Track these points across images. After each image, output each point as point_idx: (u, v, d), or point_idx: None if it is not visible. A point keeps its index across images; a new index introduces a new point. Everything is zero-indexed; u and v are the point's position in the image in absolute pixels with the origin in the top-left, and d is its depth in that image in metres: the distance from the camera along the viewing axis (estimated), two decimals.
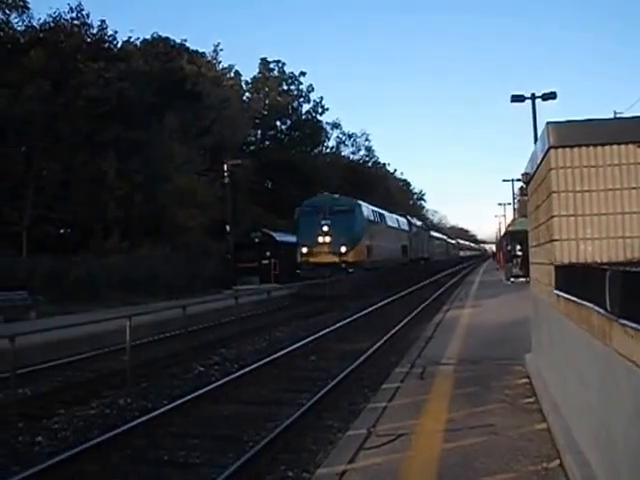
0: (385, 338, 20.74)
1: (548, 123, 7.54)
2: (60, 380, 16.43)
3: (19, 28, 41.71)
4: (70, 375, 17.04)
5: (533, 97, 38.26)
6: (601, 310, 4.71)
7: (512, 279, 42.62)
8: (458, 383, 11.44)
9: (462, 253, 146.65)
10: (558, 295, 7.26)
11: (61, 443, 10.84)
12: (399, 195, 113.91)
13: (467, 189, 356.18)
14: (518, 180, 60.71)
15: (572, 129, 7.52)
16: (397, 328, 23.36)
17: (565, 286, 6.77)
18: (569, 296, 6.35)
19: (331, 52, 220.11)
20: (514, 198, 73.26)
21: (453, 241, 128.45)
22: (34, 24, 42.55)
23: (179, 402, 12.76)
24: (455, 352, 15.01)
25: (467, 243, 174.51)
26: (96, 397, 13.76)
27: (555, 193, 7.55)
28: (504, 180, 71.25)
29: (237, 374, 15.64)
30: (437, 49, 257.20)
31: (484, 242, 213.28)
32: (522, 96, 38.59)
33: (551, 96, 37.75)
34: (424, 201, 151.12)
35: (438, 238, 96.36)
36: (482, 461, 7.12)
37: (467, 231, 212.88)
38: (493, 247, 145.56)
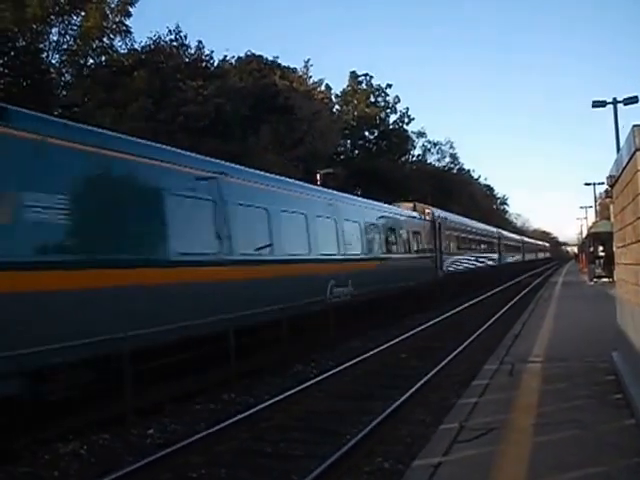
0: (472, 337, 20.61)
1: (635, 126, 7.38)
2: None
3: (123, 51, 42.81)
4: None
5: (615, 102, 37.55)
6: None
7: (595, 279, 41.74)
8: (546, 379, 11.29)
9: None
10: None
11: (171, 436, 11.10)
12: (483, 200, 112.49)
13: (549, 192, 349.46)
14: (600, 183, 59.44)
15: None
16: (483, 327, 23.19)
17: None
18: None
19: (416, 62, 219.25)
20: (596, 201, 71.43)
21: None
22: (136, 47, 43.68)
23: (280, 397, 12.94)
24: (542, 350, 14.80)
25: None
26: (201, 393, 13.96)
27: None
28: (586, 184, 69.27)
29: (333, 371, 15.73)
30: (515, 57, 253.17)
31: (566, 244, 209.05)
32: (604, 101, 37.91)
33: (633, 100, 36.94)
34: (507, 205, 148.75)
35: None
36: (573, 455, 7.03)
37: (549, 234, 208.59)
38: (575, 249, 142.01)
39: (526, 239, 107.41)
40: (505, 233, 76.83)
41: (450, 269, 40.23)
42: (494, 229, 66.34)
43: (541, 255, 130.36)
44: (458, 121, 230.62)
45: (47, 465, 9.51)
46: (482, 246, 56.03)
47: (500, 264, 64.07)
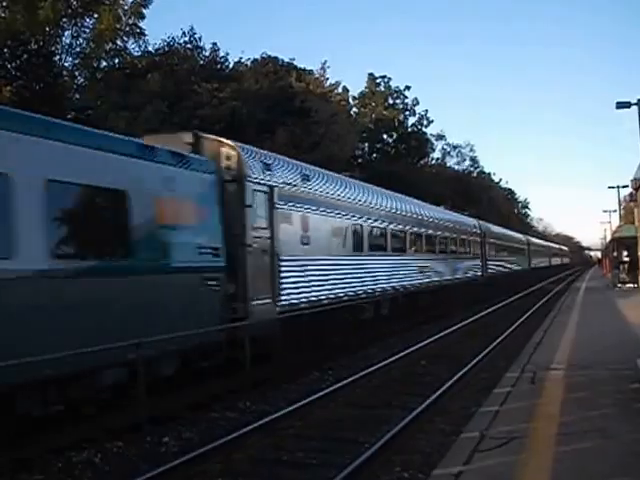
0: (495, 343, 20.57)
1: None
2: None
3: (136, 54, 42.95)
4: None
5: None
6: None
7: (619, 285, 41.52)
8: (569, 388, 11.27)
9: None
10: None
11: (186, 443, 11.13)
12: (504, 204, 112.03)
13: (571, 196, 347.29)
14: (624, 186, 59.14)
15: None
16: (506, 333, 23.13)
17: None
18: None
19: (435, 63, 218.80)
20: (620, 204, 70.98)
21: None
22: (150, 49, 43.84)
23: (297, 405, 12.95)
24: (564, 357, 14.77)
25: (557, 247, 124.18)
26: (217, 400, 13.98)
27: None
28: (610, 187, 68.86)
29: (350, 379, 15.72)
30: (540, 56, 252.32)
31: (589, 249, 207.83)
32: (628, 102, 37.67)
33: None
34: (529, 209, 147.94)
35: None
36: (597, 465, 7.00)
37: (571, 238, 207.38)
38: (598, 254, 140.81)
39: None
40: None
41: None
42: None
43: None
44: (478, 124, 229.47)
45: (61, 474, 9.57)
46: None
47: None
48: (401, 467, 9.38)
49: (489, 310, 33.52)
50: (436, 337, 22.68)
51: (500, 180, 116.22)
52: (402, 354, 19.18)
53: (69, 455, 10.14)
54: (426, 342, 21.50)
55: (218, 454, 10.05)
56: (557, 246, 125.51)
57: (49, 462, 9.83)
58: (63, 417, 10.44)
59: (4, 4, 35.91)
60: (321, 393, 14.07)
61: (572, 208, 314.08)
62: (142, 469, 9.51)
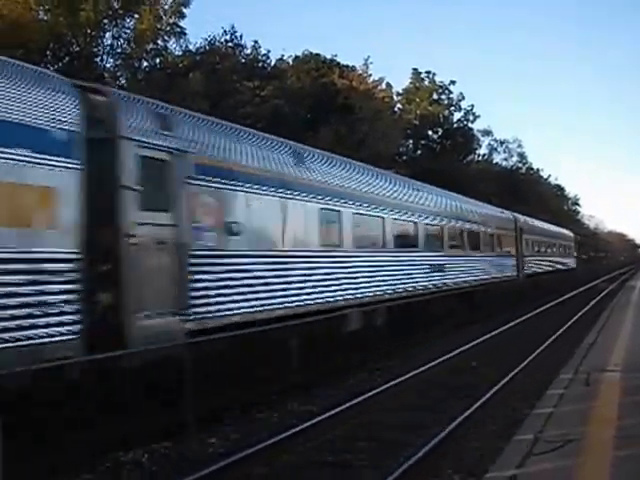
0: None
1: None
2: None
3: (177, 53, 43.33)
4: None
5: None
6: None
7: None
8: (626, 390, 11.07)
9: None
10: None
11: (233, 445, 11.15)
12: (553, 201, 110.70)
13: (626, 192, 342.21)
14: None
15: None
16: (557, 334, 22.90)
17: None
18: None
19: (481, 58, 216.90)
20: None
21: None
22: (191, 48, 44.15)
23: (344, 407, 12.95)
24: (620, 359, 14.53)
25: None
26: (265, 403, 13.94)
27: None
28: None
29: (397, 380, 15.66)
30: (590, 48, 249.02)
31: None
32: None
33: None
34: (579, 206, 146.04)
35: None
36: None
37: (624, 235, 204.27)
38: None
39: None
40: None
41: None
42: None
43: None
44: (526, 118, 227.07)
45: (108, 474, 9.71)
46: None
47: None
48: (452, 469, 9.36)
49: (529, 314, 32.98)
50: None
51: (549, 176, 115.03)
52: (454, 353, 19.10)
53: (117, 455, 10.26)
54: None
55: (264, 456, 10.11)
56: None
57: (97, 462, 9.94)
58: (110, 417, 10.50)
59: (46, 7, 36.39)
60: (369, 394, 14.03)
61: (626, 204, 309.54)
62: (189, 470, 9.58)
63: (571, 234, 68.88)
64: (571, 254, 65.53)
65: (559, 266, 56.69)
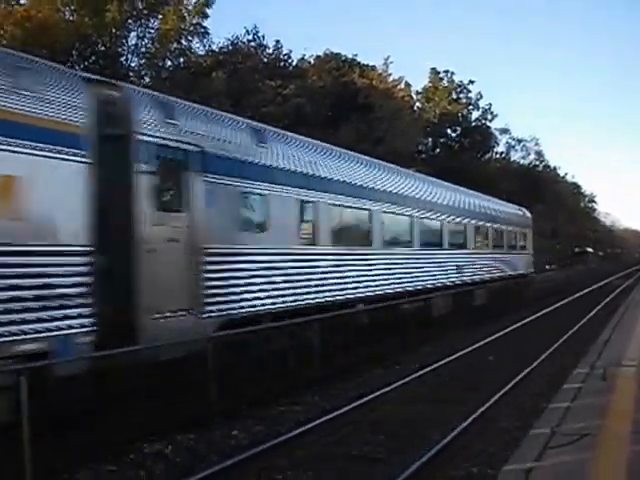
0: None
1: None
2: None
3: (200, 53, 43.55)
4: None
5: None
6: None
7: None
8: None
9: None
10: None
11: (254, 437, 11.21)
12: (570, 199, 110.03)
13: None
14: None
15: None
16: (572, 330, 22.85)
17: None
18: None
19: (499, 57, 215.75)
20: None
21: None
22: (214, 48, 44.41)
23: (362, 401, 13.00)
24: (637, 354, 14.46)
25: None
26: (286, 396, 13.96)
27: None
28: None
29: (414, 375, 15.71)
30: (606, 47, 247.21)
31: None
32: None
33: None
34: (595, 203, 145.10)
35: None
36: None
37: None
38: None
39: None
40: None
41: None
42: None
43: None
44: (543, 117, 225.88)
45: (133, 464, 9.78)
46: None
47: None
48: (470, 462, 9.36)
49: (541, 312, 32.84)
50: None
51: (566, 174, 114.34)
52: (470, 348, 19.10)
53: (141, 446, 10.36)
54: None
55: (286, 448, 10.18)
56: None
57: (121, 453, 10.03)
58: (135, 409, 10.61)
59: (72, 7, 36.64)
60: (388, 388, 14.09)
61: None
62: (212, 461, 9.69)
63: None
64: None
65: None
